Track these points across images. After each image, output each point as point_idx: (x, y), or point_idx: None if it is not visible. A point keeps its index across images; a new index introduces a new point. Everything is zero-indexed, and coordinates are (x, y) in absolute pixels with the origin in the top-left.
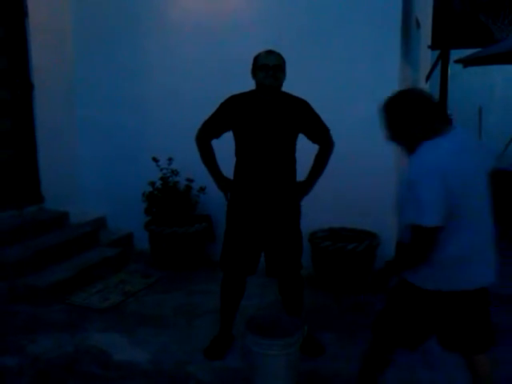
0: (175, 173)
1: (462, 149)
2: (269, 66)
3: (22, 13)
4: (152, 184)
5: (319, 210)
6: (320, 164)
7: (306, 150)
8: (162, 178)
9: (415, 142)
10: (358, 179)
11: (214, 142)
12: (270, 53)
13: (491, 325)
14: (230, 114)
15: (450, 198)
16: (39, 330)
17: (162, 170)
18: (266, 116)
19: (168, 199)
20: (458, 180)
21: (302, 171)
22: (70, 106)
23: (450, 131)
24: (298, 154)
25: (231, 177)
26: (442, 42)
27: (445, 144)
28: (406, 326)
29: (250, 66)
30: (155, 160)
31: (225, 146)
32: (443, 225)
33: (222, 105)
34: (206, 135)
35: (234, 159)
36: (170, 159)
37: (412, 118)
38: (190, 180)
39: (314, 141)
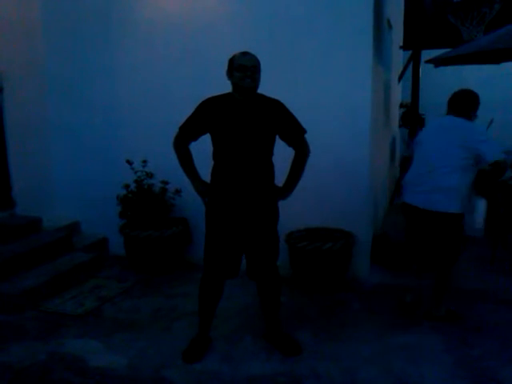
0: (150, 175)
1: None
2: (247, 67)
3: None
4: (126, 187)
5: (295, 210)
6: (297, 170)
7: (285, 152)
8: (136, 181)
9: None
10: (333, 180)
11: (191, 145)
12: (246, 54)
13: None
14: (206, 116)
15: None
16: (11, 339)
17: (136, 172)
18: (244, 118)
19: (143, 202)
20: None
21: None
22: (41, 108)
23: None
24: (275, 157)
25: (208, 179)
26: (414, 43)
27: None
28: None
29: (223, 67)
30: (129, 162)
31: (202, 149)
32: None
33: (199, 107)
34: (183, 138)
35: (212, 162)
36: (145, 161)
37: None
38: (164, 182)
39: (289, 143)
